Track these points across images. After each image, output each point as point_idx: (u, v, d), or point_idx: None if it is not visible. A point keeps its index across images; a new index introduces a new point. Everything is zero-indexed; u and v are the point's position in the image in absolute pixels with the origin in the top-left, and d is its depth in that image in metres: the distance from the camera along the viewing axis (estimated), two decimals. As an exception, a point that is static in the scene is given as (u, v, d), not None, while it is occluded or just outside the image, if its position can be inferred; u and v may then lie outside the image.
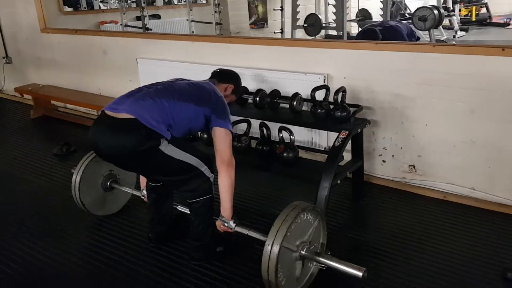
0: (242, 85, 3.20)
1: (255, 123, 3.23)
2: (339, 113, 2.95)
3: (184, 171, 2.42)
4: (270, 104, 3.28)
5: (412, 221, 2.96)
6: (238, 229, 2.46)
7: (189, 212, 2.59)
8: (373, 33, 6.08)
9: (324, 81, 3.38)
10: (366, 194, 3.29)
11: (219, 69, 2.90)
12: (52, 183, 3.76)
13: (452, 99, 3.00)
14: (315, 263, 2.27)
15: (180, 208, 2.80)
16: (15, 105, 6.16)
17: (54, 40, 5.55)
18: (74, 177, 2.93)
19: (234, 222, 2.45)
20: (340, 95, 2.98)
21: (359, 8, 8.92)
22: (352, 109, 2.99)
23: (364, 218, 3.15)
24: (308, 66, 3.51)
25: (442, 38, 7.63)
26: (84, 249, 2.82)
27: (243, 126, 3.23)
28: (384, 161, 3.41)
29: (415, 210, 3.08)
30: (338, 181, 2.81)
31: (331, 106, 3.02)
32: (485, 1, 10.97)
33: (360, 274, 2.06)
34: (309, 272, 2.32)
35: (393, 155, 3.35)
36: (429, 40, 6.93)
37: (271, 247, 2.06)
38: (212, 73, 2.85)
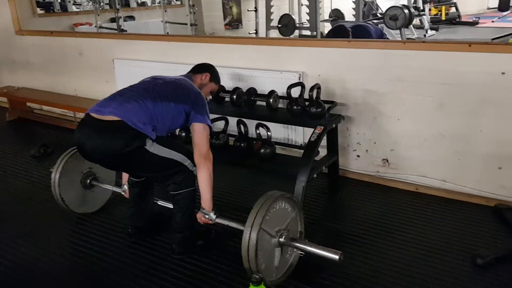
0: (220, 84, 3.29)
1: (233, 121, 3.30)
2: (314, 109, 3.04)
3: (169, 167, 2.49)
4: (247, 101, 3.36)
5: (386, 212, 3.06)
6: (219, 220, 2.53)
7: (170, 206, 2.66)
8: (343, 29, 6.17)
9: (299, 79, 3.47)
10: (342, 187, 3.39)
11: (195, 65, 2.99)
12: (31, 184, 3.76)
13: (421, 94, 3.12)
14: (294, 250, 2.35)
15: (161, 202, 2.85)
16: (-11, 108, 6.10)
17: (29, 42, 5.52)
18: (53, 174, 2.96)
19: (214, 214, 2.52)
20: (315, 91, 3.07)
21: (332, 9, 9.05)
22: (327, 105, 3.08)
23: (340, 209, 3.25)
24: (284, 64, 3.59)
25: (413, 37, 7.81)
26: (66, 247, 2.85)
27: (221, 124, 3.30)
28: (358, 156, 3.51)
29: (388, 202, 3.19)
30: (315, 175, 2.90)
31: (307, 103, 3.11)
32: (454, 1, 11.26)
33: (336, 257, 2.15)
34: (288, 262, 2.39)
35: (367, 150, 3.46)
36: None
37: (250, 231, 2.13)
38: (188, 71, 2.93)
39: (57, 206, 3.06)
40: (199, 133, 2.52)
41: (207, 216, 2.53)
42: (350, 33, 5.93)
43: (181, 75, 2.82)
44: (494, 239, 2.71)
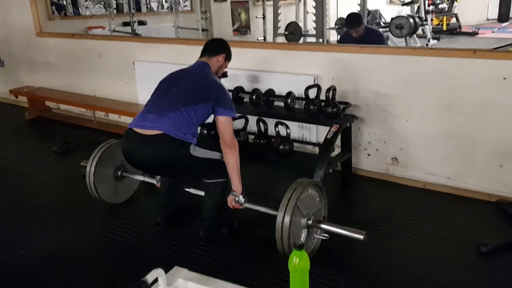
0: (238, 85, 3.54)
1: (252, 120, 3.52)
2: (330, 109, 3.26)
3: (209, 165, 2.75)
4: (265, 102, 3.58)
5: (396, 206, 3.28)
6: (248, 205, 2.74)
7: (201, 194, 2.91)
8: (358, 16, 5.93)
9: (314, 81, 3.70)
10: (353, 184, 3.62)
11: (207, 41, 3.12)
12: (57, 178, 3.97)
13: (429, 96, 3.35)
14: (317, 235, 2.57)
15: (193, 191, 3.07)
16: (8, 107, 6.34)
17: (50, 43, 5.75)
18: (88, 168, 3.17)
19: (243, 197, 2.74)
20: (330, 93, 3.30)
21: (338, 17, 9.28)
22: (341, 106, 3.31)
23: (353, 204, 3.48)
24: (300, 68, 3.82)
25: (417, 46, 8.04)
26: (96, 234, 3.04)
27: (241, 122, 3.51)
28: (369, 155, 3.73)
29: (398, 198, 3.41)
30: (330, 170, 3.12)
31: (323, 103, 3.33)
32: (455, 12, 11.51)
33: (361, 237, 2.37)
34: (311, 247, 2.61)
35: (377, 149, 3.68)
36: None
37: (285, 210, 2.34)
38: (202, 49, 3.03)
39: (85, 197, 3.27)
40: (223, 124, 2.72)
41: (237, 199, 2.73)
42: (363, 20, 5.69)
43: (198, 61, 2.98)
44: (496, 230, 2.94)
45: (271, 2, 7.98)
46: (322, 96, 3.37)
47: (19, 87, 5.90)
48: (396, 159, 3.61)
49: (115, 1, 8.97)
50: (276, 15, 8.04)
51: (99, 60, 5.27)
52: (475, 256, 2.66)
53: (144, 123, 2.64)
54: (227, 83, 3.58)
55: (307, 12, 8.57)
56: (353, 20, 4.63)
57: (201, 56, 3.00)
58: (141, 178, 3.31)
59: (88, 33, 7.19)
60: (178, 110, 2.65)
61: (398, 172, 3.63)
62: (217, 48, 3.02)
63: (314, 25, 7.37)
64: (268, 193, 3.28)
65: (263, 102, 3.59)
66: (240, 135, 3.45)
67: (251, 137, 3.52)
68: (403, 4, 9.79)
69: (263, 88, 3.69)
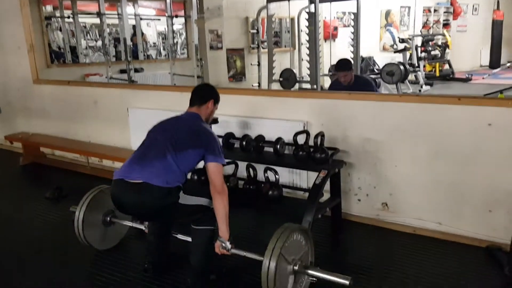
0: (229, 131, 3.58)
1: (242, 165, 3.55)
2: (318, 155, 3.29)
3: (197, 211, 2.76)
4: (255, 147, 3.61)
5: (385, 252, 3.27)
6: (235, 251, 2.72)
7: (189, 240, 2.89)
8: (347, 61, 5.93)
9: (304, 127, 3.75)
10: (344, 229, 3.60)
11: (194, 89, 3.11)
12: (48, 224, 3.96)
13: (417, 142, 3.39)
14: (305, 280, 2.55)
15: (180, 236, 3.05)
16: (3, 153, 6.36)
17: (46, 91, 5.84)
18: (77, 213, 3.17)
19: (230, 243, 2.71)
20: (319, 138, 3.34)
21: (331, 64, 9.45)
22: (330, 152, 3.34)
23: (342, 249, 3.45)
24: (289, 114, 3.88)
25: (409, 91, 8.19)
26: (84, 281, 3.02)
27: (231, 168, 3.54)
28: (359, 200, 3.74)
29: (387, 243, 3.40)
30: (319, 216, 3.12)
31: (311, 149, 3.37)
32: (448, 58, 11.76)
33: (347, 282, 2.36)
34: None
35: (367, 194, 3.69)
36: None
37: (271, 256, 2.36)
38: (190, 99, 3.03)
39: (74, 244, 3.25)
40: (214, 171, 2.74)
41: (224, 245, 2.71)
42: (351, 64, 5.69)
43: (189, 112, 2.99)
44: (486, 277, 2.91)
45: (266, 50, 8.16)
46: (311, 142, 3.41)
47: (14, 133, 5.95)
48: (387, 205, 3.62)
49: (114, 49, 9.21)
50: (271, 62, 8.21)
51: (94, 106, 5.33)
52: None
53: (130, 174, 2.67)
54: (218, 129, 3.63)
55: (302, 59, 8.76)
56: (342, 64, 4.73)
57: (191, 105, 3.03)
58: (129, 223, 3.30)
59: (85, 80, 7.33)
60: (165, 158, 2.67)
61: (389, 218, 3.62)
62: (205, 95, 3.05)
63: (308, 72, 7.56)
64: (256, 239, 3.27)
65: (253, 148, 3.62)
66: (230, 180, 3.47)
67: (241, 182, 3.53)
68: (396, 52, 10.00)
69: (253, 134, 3.73)
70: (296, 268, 2.48)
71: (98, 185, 3.35)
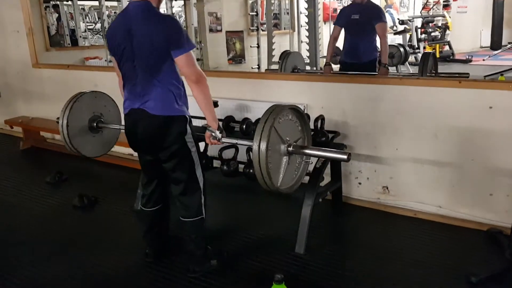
0: (229, 114, 3.56)
1: (242, 149, 3.53)
2: (319, 139, 3.28)
3: (192, 174, 2.70)
4: (255, 131, 3.58)
5: (386, 236, 3.28)
6: (226, 140, 2.68)
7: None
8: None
9: (304, 111, 3.72)
10: (344, 213, 3.62)
11: None
12: (49, 209, 3.96)
13: (417, 125, 3.38)
14: (303, 162, 2.53)
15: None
16: (3, 137, 6.34)
17: (45, 74, 5.80)
18: (60, 121, 3.16)
19: (220, 132, 2.63)
20: (319, 122, 3.32)
21: (331, 46, 9.38)
22: (330, 135, 3.33)
23: (343, 233, 3.47)
24: (289, 97, 3.85)
25: (409, 72, 8.14)
26: (85, 267, 3.01)
27: (231, 151, 3.53)
28: (360, 183, 3.74)
29: (388, 227, 3.41)
30: (320, 199, 3.13)
31: (312, 133, 3.35)
32: (448, 40, 11.67)
33: (345, 157, 2.35)
34: (296, 176, 2.60)
35: (368, 178, 3.69)
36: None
37: (260, 137, 2.35)
38: None
39: (75, 229, 3.27)
40: (183, 64, 2.48)
41: (214, 134, 2.62)
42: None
43: (134, 1, 2.50)
44: (487, 260, 2.92)
45: (266, 32, 8.11)
46: (312, 125, 3.39)
47: (14, 117, 5.93)
48: (387, 188, 3.62)
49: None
50: (270, 44, 8.16)
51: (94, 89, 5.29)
52: (465, 286, 2.64)
53: (131, 103, 2.61)
54: (218, 112, 3.60)
55: (301, 41, 8.71)
56: None
57: None
58: (117, 126, 3.32)
59: (84, 64, 7.28)
60: (148, 81, 2.52)
61: (389, 201, 3.63)
62: None
63: (308, 54, 7.53)
64: (260, 220, 3.27)
65: (253, 131, 3.60)
66: (230, 164, 3.46)
67: (241, 166, 3.52)
68: (395, 33, 9.92)
69: (253, 117, 3.72)
70: (290, 148, 2.41)
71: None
